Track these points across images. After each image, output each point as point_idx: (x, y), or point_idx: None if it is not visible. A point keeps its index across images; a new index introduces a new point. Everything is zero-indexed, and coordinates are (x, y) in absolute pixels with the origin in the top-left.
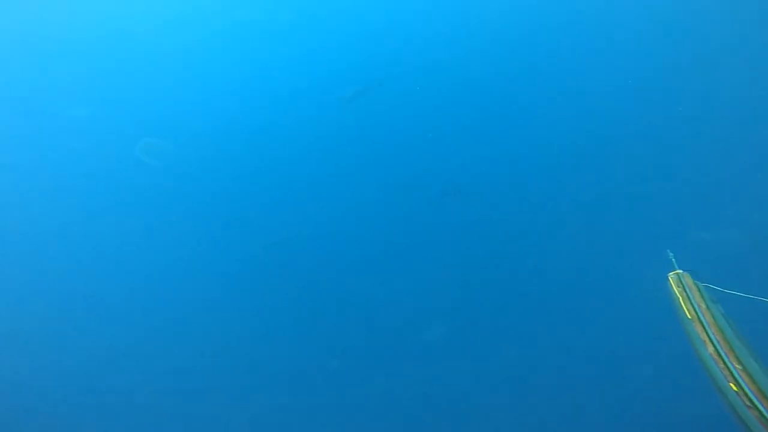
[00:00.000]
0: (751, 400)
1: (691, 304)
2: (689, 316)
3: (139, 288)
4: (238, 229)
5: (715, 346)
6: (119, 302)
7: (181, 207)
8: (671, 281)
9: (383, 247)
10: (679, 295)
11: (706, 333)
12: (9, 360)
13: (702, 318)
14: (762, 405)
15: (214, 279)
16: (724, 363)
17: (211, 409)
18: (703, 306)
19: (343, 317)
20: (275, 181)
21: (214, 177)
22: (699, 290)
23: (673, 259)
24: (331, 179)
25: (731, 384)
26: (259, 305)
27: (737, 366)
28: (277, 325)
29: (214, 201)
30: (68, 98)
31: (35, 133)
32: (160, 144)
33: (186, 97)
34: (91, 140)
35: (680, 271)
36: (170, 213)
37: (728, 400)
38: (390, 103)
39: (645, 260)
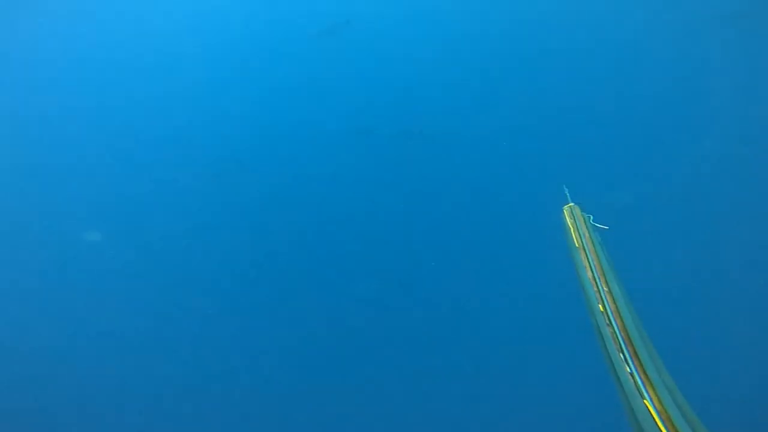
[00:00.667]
0: (609, 319)
1: (579, 233)
2: (576, 245)
3: None
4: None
5: (592, 272)
6: None
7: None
8: (565, 214)
9: (341, 187)
10: (570, 226)
11: (588, 259)
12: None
13: (585, 246)
14: (616, 324)
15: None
16: (597, 287)
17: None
18: (587, 235)
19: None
20: (240, 119)
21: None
22: (585, 221)
23: (567, 194)
24: (293, 115)
25: (600, 305)
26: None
27: (605, 288)
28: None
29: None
30: None
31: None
32: None
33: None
34: None
35: (572, 204)
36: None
37: (596, 321)
38: (357, 42)
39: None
